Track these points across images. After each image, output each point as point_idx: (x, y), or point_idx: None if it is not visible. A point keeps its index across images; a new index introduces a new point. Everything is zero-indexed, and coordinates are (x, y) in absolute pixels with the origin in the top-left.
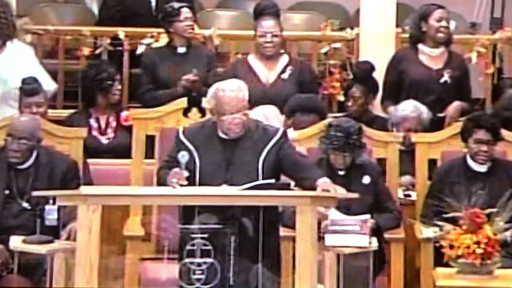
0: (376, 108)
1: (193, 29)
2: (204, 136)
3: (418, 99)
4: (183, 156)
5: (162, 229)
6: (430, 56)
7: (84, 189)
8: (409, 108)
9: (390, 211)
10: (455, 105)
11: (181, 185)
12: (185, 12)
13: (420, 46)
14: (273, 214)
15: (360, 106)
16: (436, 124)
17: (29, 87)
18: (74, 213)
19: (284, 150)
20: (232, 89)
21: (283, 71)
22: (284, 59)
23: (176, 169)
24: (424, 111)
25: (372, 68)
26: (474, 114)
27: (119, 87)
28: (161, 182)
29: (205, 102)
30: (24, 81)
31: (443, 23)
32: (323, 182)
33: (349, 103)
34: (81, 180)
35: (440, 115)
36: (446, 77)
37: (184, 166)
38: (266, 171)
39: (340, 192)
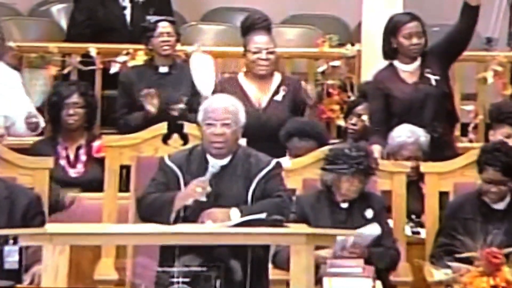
0: None
1: (172, 46)
2: (191, 163)
3: (413, 120)
4: (213, 166)
5: (138, 273)
6: (410, 72)
7: (50, 227)
8: (404, 133)
9: (386, 249)
10: None
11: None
12: (162, 27)
13: (396, 64)
14: (264, 255)
15: (363, 127)
16: (437, 144)
17: None
18: (38, 254)
19: (269, 183)
20: (222, 100)
21: (276, 93)
22: (276, 79)
23: (201, 178)
24: (422, 134)
25: None
26: (491, 144)
27: (71, 111)
28: (152, 210)
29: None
30: None
31: (414, 40)
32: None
33: (353, 121)
34: (46, 217)
35: None
36: (432, 80)
37: (210, 176)
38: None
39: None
